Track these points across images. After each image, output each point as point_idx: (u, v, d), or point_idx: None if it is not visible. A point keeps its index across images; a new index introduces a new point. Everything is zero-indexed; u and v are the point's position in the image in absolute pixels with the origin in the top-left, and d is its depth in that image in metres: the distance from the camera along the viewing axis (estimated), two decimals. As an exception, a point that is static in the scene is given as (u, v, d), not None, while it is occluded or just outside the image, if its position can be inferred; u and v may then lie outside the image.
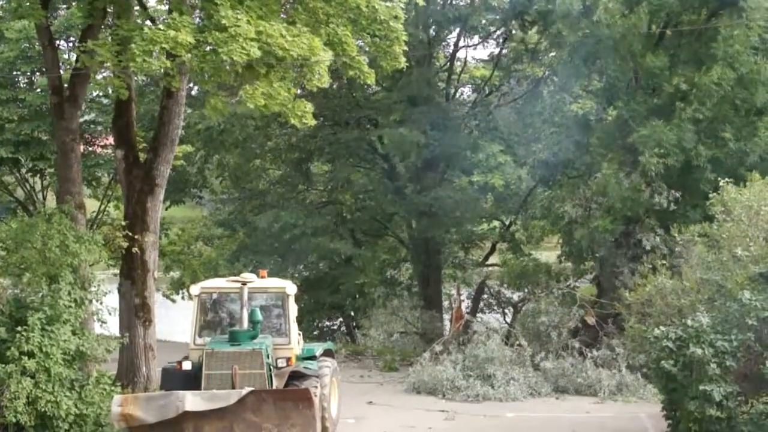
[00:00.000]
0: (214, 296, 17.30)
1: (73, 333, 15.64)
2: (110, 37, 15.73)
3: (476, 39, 30.67)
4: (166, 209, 28.22)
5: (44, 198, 27.62)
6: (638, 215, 22.25)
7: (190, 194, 32.05)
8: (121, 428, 14.65)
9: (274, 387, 15.35)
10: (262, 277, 16.99)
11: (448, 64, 31.11)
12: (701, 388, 13.75)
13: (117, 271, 19.51)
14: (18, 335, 14.91)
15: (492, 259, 33.00)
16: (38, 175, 27.34)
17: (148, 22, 16.74)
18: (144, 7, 17.53)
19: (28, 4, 16.81)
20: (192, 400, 14.20)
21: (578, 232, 22.77)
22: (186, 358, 16.30)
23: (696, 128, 21.56)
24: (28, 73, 26.39)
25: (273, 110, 15.60)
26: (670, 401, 14.87)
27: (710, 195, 17.26)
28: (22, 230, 16.42)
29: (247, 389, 14.45)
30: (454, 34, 30.30)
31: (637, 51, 22.28)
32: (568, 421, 18.49)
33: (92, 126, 26.90)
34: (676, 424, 14.69)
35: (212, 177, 32.99)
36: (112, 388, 16.01)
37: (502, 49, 30.59)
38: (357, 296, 31.84)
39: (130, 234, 18.28)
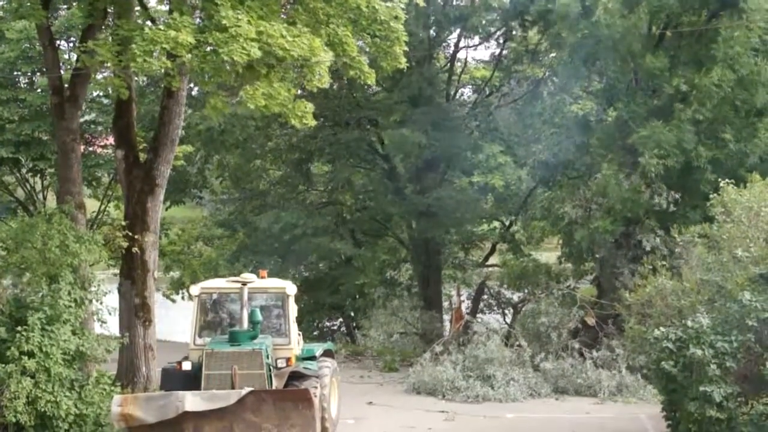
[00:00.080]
0: (214, 296, 17.31)
1: (73, 333, 15.64)
2: (111, 37, 15.73)
3: (476, 39, 30.68)
4: (167, 209, 28.23)
5: (44, 198, 27.64)
6: (638, 216, 22.25)
7: (190, 194, 32.06)
8: (121, 428, 14.66)
9: (273, 387, 15.35)
10: (262, 278, 17.00)
11: (449, 64, 31.11)
12: (701, 389, 13.75)
13: (117, 271, 19.51)
14: (18, 335, 14.91)
15: (492, 260, 33.01)
16: (38, 175, 27.36)
17: (148, 23, 16.73)
18: (144, 8, 17.54)
19: (28, 4, 16.81)
20: (192, 401, 14.20)
21: (578, 233, 22.77)
22: (186, 358, 16.30)
23: (696, 129, 21.57)
24: (29, 74, 26.41)
25: (273, 111, 15.59)
26: (670, 402, 14.87)
27: (710, 196, 17.26)
28: (23, 230, 16.42)
29: (246, 389, 14.45)
30: (455, 34, 30.33)
31: (637, 52, 22.29)
32: (568, 422, 18.49)
33: (92, 126, 26.92)
34: (676, 425, 14.69)
35: (212, 177, 33.00)
36: (112, 388, 16.01)
37: (502, 49, 30.60)
38: (357, 297, 31.86)
39: (130, 234, 18.28)
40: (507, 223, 32.35)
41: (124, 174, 18.95)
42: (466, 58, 32.46)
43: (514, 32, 29.59)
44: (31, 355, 14.88)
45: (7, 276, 16.45)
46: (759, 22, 21.06)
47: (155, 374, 18.08)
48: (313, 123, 16.52)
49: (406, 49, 17.33)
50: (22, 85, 26.40)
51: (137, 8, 17.49)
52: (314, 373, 16.15)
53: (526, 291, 27.29)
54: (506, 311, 30.02)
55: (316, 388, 15.45)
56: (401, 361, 25.45)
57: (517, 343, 22.56)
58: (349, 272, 30.39)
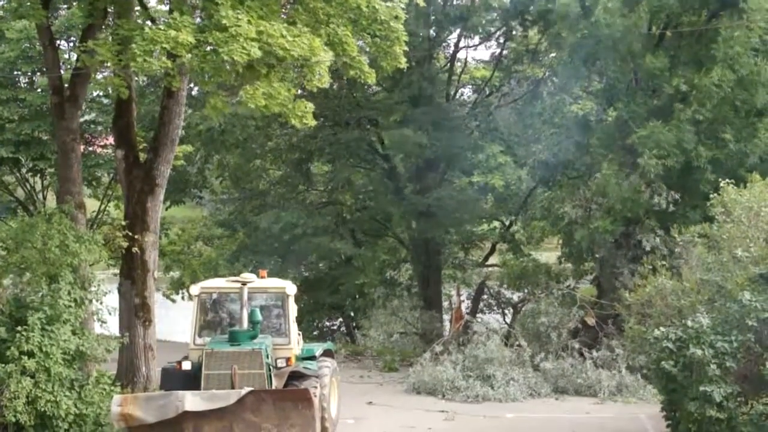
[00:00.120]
0: (214, 296, 17.30)
1: (73, 333, 15.64)
2: (111, 37, 15.73)
3: (477, 39, 30.69)
4: (167, 209, 28.23)
5: (44, 198, 27.64)
6: (638, 216, 22.26)
7: (190, 194, 32.06)
8: (121, 428, 14.65)
9: (273, 387, 15.35)
10: (262, 278, 17.00)
11: (449, 64, 31.12)
12: (701, 388, 13.75)
13: (117, 270, 19.51)
14: (18, 335, 14.91)
15: (492, 260, 33.03)
16: (38, 175, 27.36)
17: (148, 22, 16.73)
18: (144, 7, 17.53)
19: (28, 4, 16.79)
20: (191, 400, 14.20)
21: (578, 232, 22.78)
22: (186, 358, 16.30)
23: (696, 129, 21.57)
24: (29, 73, 26.41)
25: (273, 110, 15.59)
26: (670, 402, 14.87)
27: (710, 196, 17.26)
28: (23, 230, 16.42)
29: (246, 389, 14.45)
30: (455, 34, 30.34)
31: (637, 52, 22.30)
32: (568, 422, 18.49)
33: (92, 126, 26.92)
34: (676, 425, 14.69)
35: (212, 177, 33.00)
36: (112, 387, 16.01)
37: (502, 49, 30.60)
38: (357, 296, 31.87)
39: (130, 234, 18.28)
40: (507, 223, 32.37)
41: (124, 174, 18.95)
42: (466, 58, 32.54)
43: (514, 32, 29.61)
44: (31, 354, 14.88)
45: (8, 276, 16.43)
46: (759, 22, 21.06)
47: (155, 374, 18.07)
48: (313, 123, 16.51)
49: (406, 49, 17.33)
50: (22, 85, 26.40)
51: (137, 8, 17.48)
52: (314, 373, 16.15)
53: (526, 291, 27.30)
54: (506, 311, 30.04)
55: (315, 387, 15.45)
56: (401, 361, 25.45)
57: (517, 343, 22.56)
58: (349, 272, 30.41)
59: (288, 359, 16.11)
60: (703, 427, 13.89)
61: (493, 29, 29.94)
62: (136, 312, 18.48)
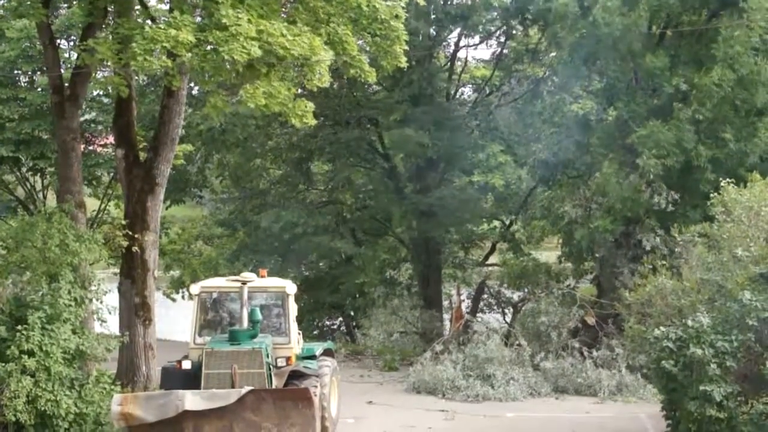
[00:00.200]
0: (214, 295, 17.29)
1: (73, 332, 15.64)
2: (111, 36, 15.73)
3: (477, 39, 30.69)
4: (167, 208, 28.23)
5: (44, 197, 27.65)
6: (638, 215, 22.25)
7: (190, 193, 32.05)
8: (121, 427, 14.66)
9: (273, 386, 15.35)
10: (262, 277, 17.00)
11: (449, 63, 31.12)
12: (701, 388, 13.75)
13: (117, 270, 19.52)
14: (18, 334, 14.91)
15: (492, 259, 33.03)
16: (39, 174, 27.38)
17: (148, 21, 16.73)
18: (145, 6, 17.52)
19: (29, 3, 16.79)
20: (192, 400, 14.20)
21: (578, 232, 22.78)
22: (186, 357, 16.30)
23: (696, 129, 21.56)
24: (29, 72, 26.42)
25: (273, 110, 15.57)
26: (670, 401, 14.87)
27: (711, 195, 17.26)
28: (23, 229, 16.42)
29: (246, 388, 14.44)
30: (455, 33, 30.34)
31: (637, 51, 22.29)
32: (568, 422, 18.49)
33: (93, 125, 26.93)
34: (676, 425, 14.69)
35: (213, 176, 33.00)
36: (112, 387, 16.00)
37: (502, 48, 30.60)
38: (357, 296, 31.86)
39: (131, 233, 18.28)
40: (507, 223, 32.36)
41: (124, 173, 18.95)
42: (466, 57, 32.52)
43: (514, 31, 29.60)
44: (31, 354, 14.87)
45: (8, 275, 16.42)
46: (759, 21, 21.04)
47: (155, 373, 18.07)
48: (313, 122, 16.51)
49: (406, 48, 17.33)
50: (22, 84, 26.41)
51: (137, 7, 17.47)
52: (314, 372, 16.15)
53: (526, 290, 27.32)
54: (506, 310, 30.02)
55: (316, 387, 15.45)
56: (401, 360, 25.45)
57: (517, 342, 22.56)
58: (349, 271, 30.41)
59: (288, 358, 16.11)
60: (703, 426, 13.90)
61: (493, 28, 29.92)
62: (136, 311, 18.49)
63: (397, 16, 16.68)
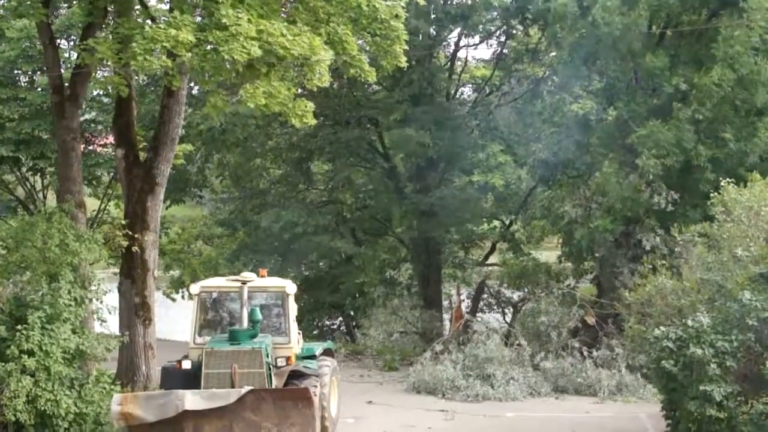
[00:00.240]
0: (214, 295, 17.30)
1: (73, 332, 15.64)
2: (111, 36, 15.72)
3: (477, 39, 30.69)
4: (167, 208, 28.24)
5: (44, 197, 27.65)
6: (638, 215, 22.25)
7: (190, 193, 32.05)
8: (121, 427, 14.66)
9: (273, 386, 15.35)
10: (262, 277, 17.00)
11: (449, 63, 31.11)
12: (701, 388, 13.75)
13: (117, 270, 19.52)
14: (18, 334, 14.91)
15: (492, 259, 33.03)
16: (39, 174, 27.38)
17: (148, 21, 16.72)
18: (145, 6, 17.52)
19: (28, 2, 16.78)
20: (191, 399, 14.20)
21: (578, 231, 22.78)
22: (186, 357, 16.30)
23: (696, 128, 21.56)
24: (29, 72, 26.42)
25: (273, 109, 15.57)
26: (670, 401, 14.87)
27: (711, 195, 17.25)
28: (23, 229, 16.42)
29: (246, 388, 14.44)
30: (455, 33, 30.35)
31: (637, 51, 22.29)
32: (568, 421, 18.49)
33: (93, 125, 26.93)
34: (676, 424, 14.69)
35: (213, 176, 33.00)
36: (112, 386, 16.00)
37: (502, 48, 30.60)
38: (357, 295, 31.86)
39: (130, 233, 18.28)
40: (507, 222, 32.36)
41: (124, 173, 18.95)
42: (466, 57, 32.53)
43: (514, 31, 29.60)
44: (31, 353, 14.87)
45: (8, 275, 16.42)
46: (759, 21, 21.04)
47: (155, 373, 18.07)
48: (313, 122, 16.50)
49: (406, 48, 17.33)
50: (22, 84, 26.41)
51: (137, 7, 17.47)
52: (314, 372, 16.15)
53: (526, 290, 27.33)
54: (506, 310, 30.03)
55: (315, 387, 15.45)
56: (401, 360, 25.45)
57: (517, 342, 22.56)
58: (349, 271, 30.40)
59: (288, 358, 16.12)
60: (703, 426, 13.90)
61: (493, 28, 29.92)
62: (136, 311, 18.48)
63: (397, 16, 16.68)
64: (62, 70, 19.30)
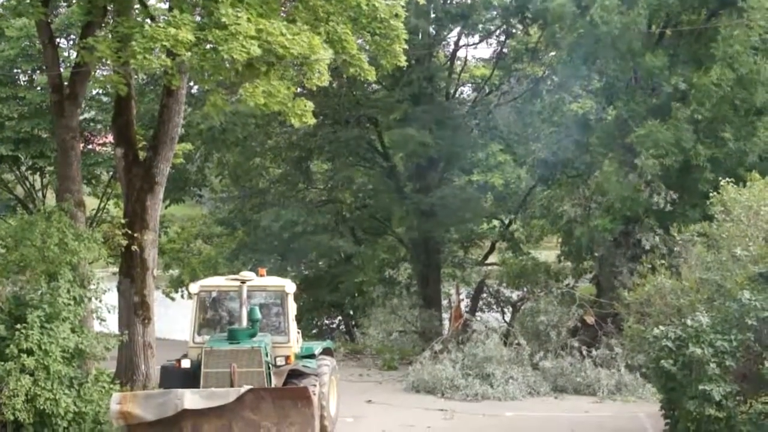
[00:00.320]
0: (214, 294, 17.30)
1: (72, 331, 15.64)
2: (110, 35, 15.72)
3: (476, 38, 30.70)
4: (166, 207, 28.23)
5: (44, 196, 27.66)
6: (638, 215, 22.26)
7: (189, 192, 32.04)
8: (120, 426, 14.66)
9: (272, 385, 15.35)
10: (261, 276, 17.00)
11: (449, 63, 31.11)
12: (701, 387, 13.75)
13: (116, 269, 19.52)
14: (17, 333, 14.91)
15: (491, 259, 33.01)
16: (38, 173, 27.39)
17: (148, 20, 16.72)
18: (144, 5, 17.51)
19: (28, 1, 16.77)
20: (191, 398, 14.20)
21: (578, 229, 22.78)
22: (185, 356, 16.31)
23: (695, 128, 21.56)
24: (29, 71, 26.42)
25: (273, 109, 15.56)
26: (669, 401, 14.87)
27: (710, 195, 17.26)
28: (22, 228, 16.42)
29: (245, 387, 14.45)
30: (455, 32, 30.33)
31: (637, 50, 22.28)
32: (567, 421, 18.50)
33: (92, 124, 26.94)
34: (675, 424, 14.69)
35: (212, 175, 32.99)
36: (111, 385, 16.00)
37: (502, 48, 30.59)
38: (356, 295, 31.83)
39: (130, 232, 18.28)
40: (506, 222, 32.35)
41: (124, 172, 18.95)
42: (466, 57, 32.52)
43: (514, 30, 29.60)
44: (30, 352, 14.87)
45: (7, 274, 16.42)
46: (759, 20, 21.03)
47: (154, 372, 18.07)
48: (312, 121, 16.48)
49: (406, 47, 17.33)
50: (21, 83, 26.41)
51: (137, 6, 17.46)
52: (313, 372, 16.16)
53: (525, 289, 27.32)
54: (505, 310, 30.00)
55: (315, 386, 15.46)
56: (400, 359, 25.44)
57: (516, 341, 22.56)
58: (348, 270, 30.38)
59: (287, 357, 16.13)
60: (702, 425, 13.89)
61: (493, 27, 29.92)
62: (135, 310, 18.48)
63: (396, 15, 16.67)
64: (62, 69, 19.31)
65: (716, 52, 21.18)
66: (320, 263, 32.21)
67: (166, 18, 14.65)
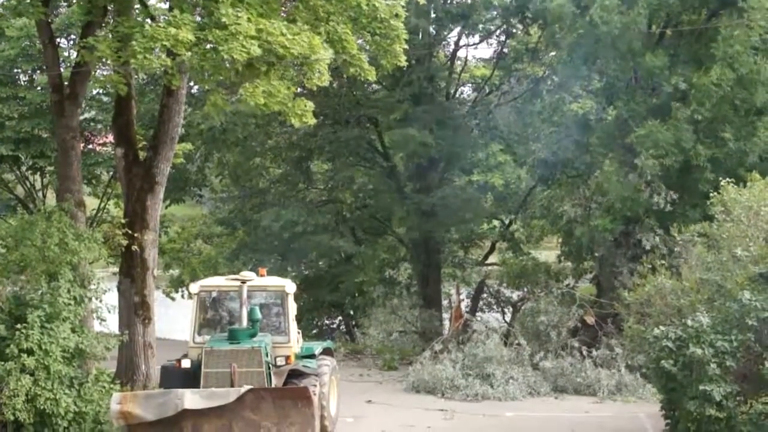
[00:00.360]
0: (214, 294, 17.29)
1: (73, 331, 15.64)
2: (111, 34, 15.72)
3: (477, 38, 30.70)
4: (166, 207, 28.24)
5: (44, 196, 27.66)
6: (638, 215, 22.25)
7: (190, 192, 32.05)
8: (120, 426, 14.65)
9: (273, 385, 15.35)
10: (262, 276, 16.99)
11: (449, 63, 31.11)
12: (701, 388, 13.74)
13: (116, 269, 19.51)
14: (17, 333, 14.90)
15: (491, 259, 33.02)
16: (38, 173, 27.39)
17: (148, 20, 16.72)
18: (144, 5, 17.51)
19: (28, 1, 16.77)
20: (191, 398, 14.20)
21: (578, 228, 22.78)
22: (185, 356, 16.31)
23: (695, 128, 21.56)
24: (29, 71, 26.43)
25: (273, 109, 15.55)
26: (669, 401, 14.87)
27: (710, 195, 17.25)
28: (22, 228, 16.42)
29: (246, 387, 14.45)
30: (455, 32, 30.33)
31: (637, 50, 22.28)
32: (567, 421, 18.49)
33: (92, 124, 26.94)
34: (675, 424, 14.69)
35: (212, 175, 32.99)
36: (112, 385, 16.00)
37: (502, 48, 30.59)
38: (356, 295, 31.83)
39: (130, 232, 18.28)
40: (506, 222, 32.35)
41: (124, 172, 18.95)
42: (466, 57, 32.51)
43: (514, 30, 29.59)
44: (30, 352, 14.87)
45: (7, 273, 16.42)
46: (759, 20, 21.03)
47: (154, 372, 18.07)
48: (312, 121, 16.47)
49: (406, 47, 17.32)
50: (22, 83, 26.43)
51: (137, 6, 17.46)
52: (313, 372, 16.15)
53: (525, 290, 27.32)
54: (505, 310, 30.00)
55: (315, 386, 15.46)
56: (400, 359, 25.44)
57: (517, 341, 22.56)
58: (348, 270, 30.38)
59: (287, 357, 16.13)
60: (702, 426, 13.89)
61: (493, 27, 29.92)
62: (135, 310, 18.48)
63: (396, 15, 16.66)
64: (62, 69, 19.30)
65: (716, 52, 21.18)
66: (320, 263, 32.21)
67: (166, 18, 14.65)
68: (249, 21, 13.98)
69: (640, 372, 20.36)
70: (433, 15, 27.97)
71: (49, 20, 19.04)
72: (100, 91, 25.79)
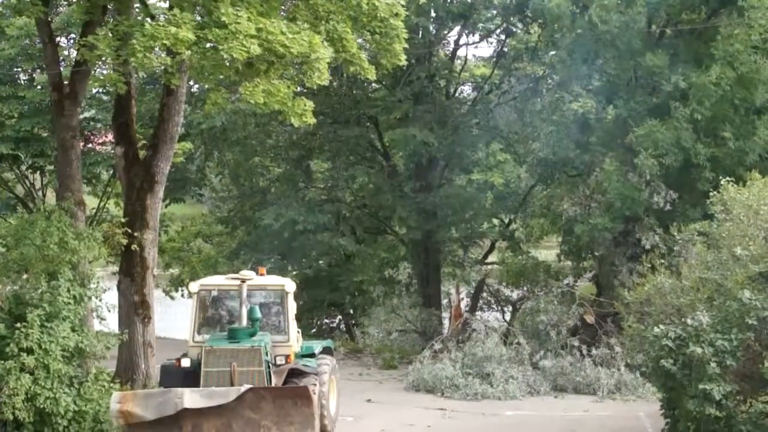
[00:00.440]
0: (214, 293, 17.26)
1: (73, 330, 15.64)
2: (110, 33, 15.73)
3: (477, 37, 30.70)
4: (166, 206, 28.24)
5: (44, 195, 27.67)
6: (637, 214, 22.24)
7: (190, 191, 32.06)
8: (120, 425, 14.64)
9: (272, 384, 15.35)
10: (261, 275, 16.99)
11: (449, 62, 31.09)
12: (701, 387, 13.72)
13: (116, 268, 19.52)
14: (17, 332, 14.91)
15: (491, 258, 33.00)
16: (38, 172, 27.39)
17: (148, 19, 16.71)
18: (144, 4, 17.52)
19: (28, 0, 16.78)
20: (191, 398, 14.19)
21: (579, 226, 22.78)
22: (185, 355, 16.28)
23: (694, 127, 21.55)
24: (29, 70, 26.44)
25: (273, 108, 15.57)
26: (669, 400, 14.86)
27: (710, 194, 17.24)
28: (22, 227, 16.44)
29: (245, 386, 14.44)
30: (455, 31, 30.33)
31: (637, 49, 22.28)
32: (567, 420, 18.51)
33: (92, 123, 26.95)
34: (675, 423, 14.69)
35: (212, 174, 33.00)
36: (111, 385, 16.02)
37: (502, 47, 30.59)
38: (356, 294, 31.84)
39: (130, 231, 18.28)
40: (506, 221, 32.36)
41: (124, 171, 18.96)
42: (466, 56, 32.50)
43: (514, 29, 29.59)
44: (30, 351, 14.88)
45: (7, 273, 16.42)
46: (759, 19, 21.02)
47: (154, 371, 18.09)
48: (312, 121, 16.47)
49: (406, 46, 17.32)
50: (21, 82, 26.45)
51: (137, 5, 17.46)
52: (313, 371, 16.15)
53: (525, 289, 27.32)
54: (505, 309, 29.99)
55: (315, 385, 15.45)
56: (400, 358, 25.45)
57: (516, 340, 22.56)
58: (348, 270, 30.38)
59: (287, 356, 16.12)
60: (702, 425, 13.88)
61: (493, 26, 29.92)
62: (135, 309, 18.49)
63: (396, 14, 16.66)
64: (62, 68, 19.31)
65: (716, 51, 21.17)
66: (320, 262, 32.17)
67: (166, 16, 14.66)
68: (249, 20, 13.99)
69: (640, 371, 20.33)
70: (433, 14, 27.98)
71: (49, 19, 19.06)
72: (100, 90, 25.79)
